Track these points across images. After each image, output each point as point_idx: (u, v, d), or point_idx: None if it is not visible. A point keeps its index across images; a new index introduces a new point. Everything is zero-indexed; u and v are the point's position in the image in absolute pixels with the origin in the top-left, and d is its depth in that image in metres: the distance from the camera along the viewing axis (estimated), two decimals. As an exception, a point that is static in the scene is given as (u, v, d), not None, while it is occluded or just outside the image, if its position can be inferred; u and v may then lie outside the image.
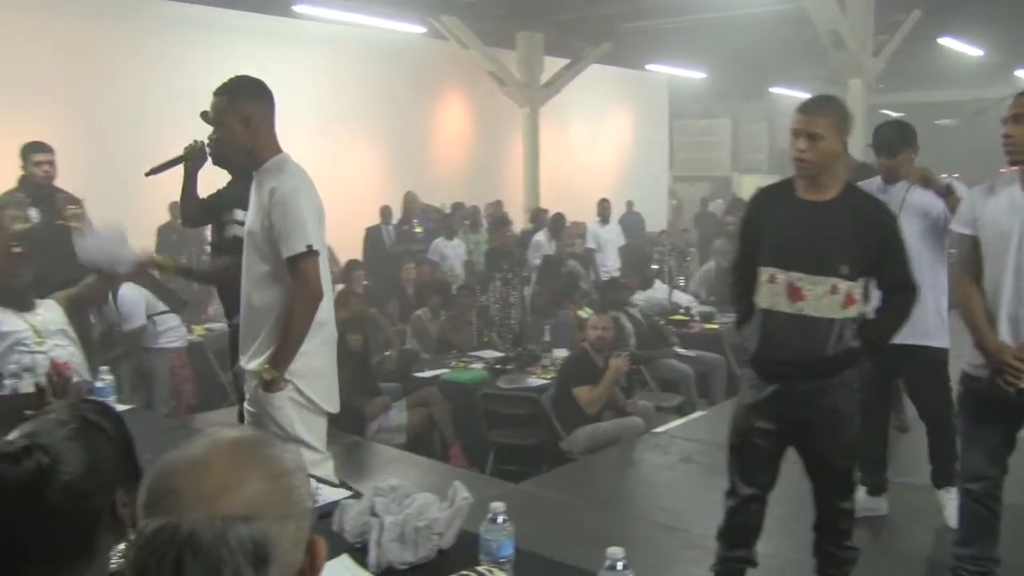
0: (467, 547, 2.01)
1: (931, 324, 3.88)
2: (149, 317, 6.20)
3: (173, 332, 6.40)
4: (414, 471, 5.20)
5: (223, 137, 3.18)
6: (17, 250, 3.96)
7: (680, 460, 5.09)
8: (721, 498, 3.16)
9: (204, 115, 3.35)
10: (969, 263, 3.14)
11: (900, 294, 3.02)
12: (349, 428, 5.78)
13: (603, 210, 11.46)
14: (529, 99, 13.18)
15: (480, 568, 1.86)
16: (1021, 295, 3.01)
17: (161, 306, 6.28)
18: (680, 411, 6.68)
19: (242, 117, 3.07)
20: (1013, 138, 2.98)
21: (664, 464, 5.11)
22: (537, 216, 11.71)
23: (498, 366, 6.63)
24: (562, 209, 11.25)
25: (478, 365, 6.74)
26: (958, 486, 3.23)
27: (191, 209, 4.14)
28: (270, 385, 3.05)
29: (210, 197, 4.08)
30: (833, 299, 2.89)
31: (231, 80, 3.14)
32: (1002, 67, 15.67)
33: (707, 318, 8.41)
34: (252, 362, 3.14)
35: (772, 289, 2.96)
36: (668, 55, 14.31)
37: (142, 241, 3.61)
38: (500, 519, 1.89)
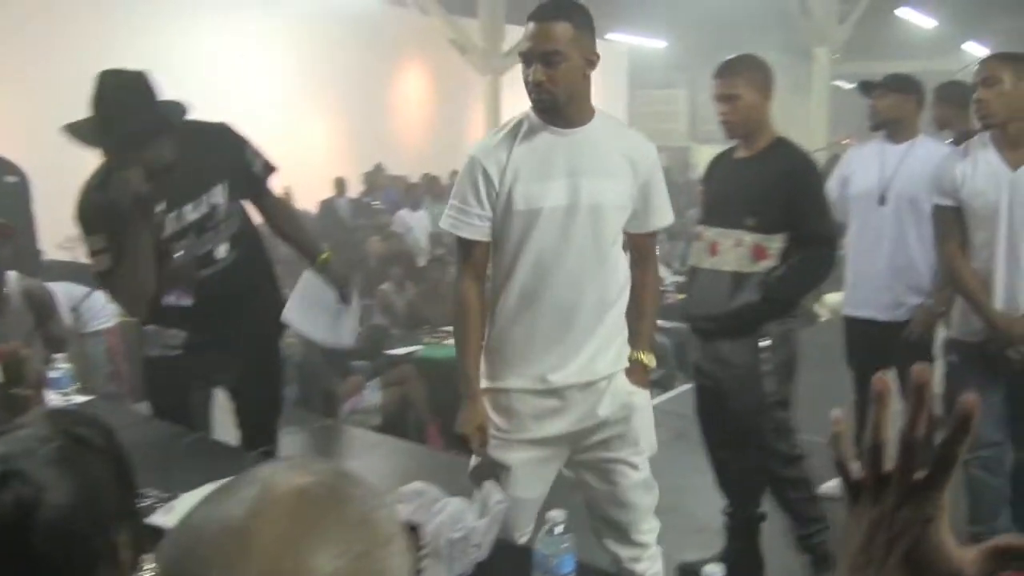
0: (510, 560, 1.73)
1: None
2: (73, 309, 5.55)
3: (102, 311, 5.71)
4: (396, 457, 4.91)
5: None
6: None
7: (674, 437, 4.84)
8: None
9: None
10: (954, 234, 3.07)
11: (809, 249, 2.94)
12: (321, 409, 5.46)
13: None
14: (491, 67, 12.83)
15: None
16: (1015, 263, 2.93)
17: (80, 291, 5.62)
18: (661, 384, 6.46)
19: None
20: (985, 102, 2.92)
21: (658, 441, 4.87)
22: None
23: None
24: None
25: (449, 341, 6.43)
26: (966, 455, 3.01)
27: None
28: (648, 376, 2.58)
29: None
30: (739, 251, 2.93)
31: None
32: (952, 39, 15.66)
33: (681, 288, 8.19)
34: (601, 363, 2.45)
35: (699, 246, 3.11)
36: (630, 24, 14.03)
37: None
38: (558, 530, 1.61)
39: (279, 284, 3.24)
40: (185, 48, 9.18)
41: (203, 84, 6.55)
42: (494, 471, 2.38)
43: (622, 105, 18.35)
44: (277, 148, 3.10)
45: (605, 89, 18.06)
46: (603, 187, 2.34)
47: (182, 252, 2.80)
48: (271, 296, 3.11)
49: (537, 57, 2.26)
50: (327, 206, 10.12)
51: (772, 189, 2.92)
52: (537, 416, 2.41)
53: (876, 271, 3.70)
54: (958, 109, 4.14)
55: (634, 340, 2.51)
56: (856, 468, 0.71)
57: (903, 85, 3.83)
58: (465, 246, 2.42)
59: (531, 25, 2.29)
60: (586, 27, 2.30)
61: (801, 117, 11.83)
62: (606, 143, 2.38)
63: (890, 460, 0.70)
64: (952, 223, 3.07)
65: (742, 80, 2.95)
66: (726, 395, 3.04)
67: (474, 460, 2.49)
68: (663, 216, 2.51)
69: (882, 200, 3.66)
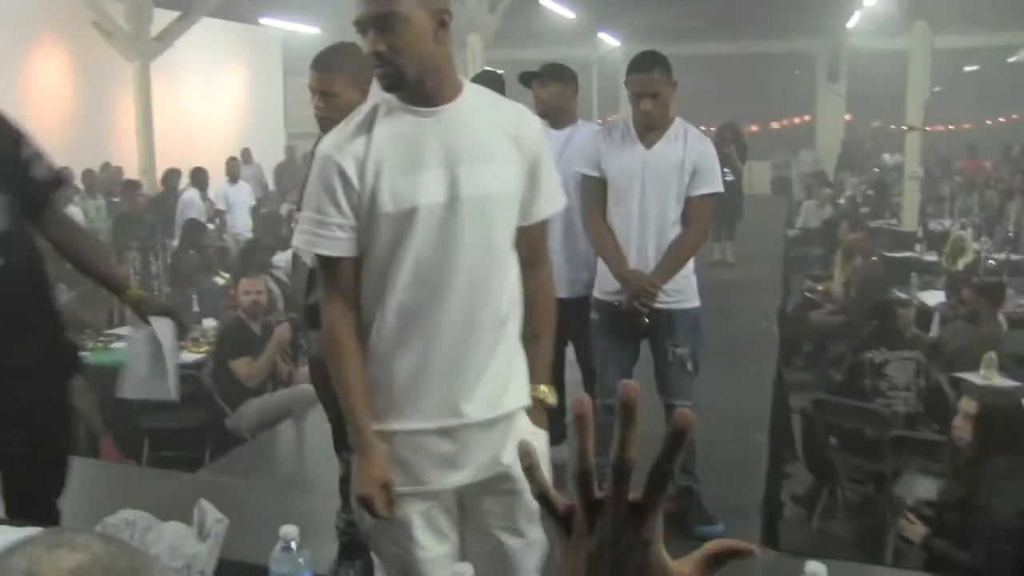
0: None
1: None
2: None
3: None
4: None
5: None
6: None
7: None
8: None
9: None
10: (596, 201, 3.52)
11: None
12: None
13: (232, 169, 10.72)
14: (139, 53, 11.90)
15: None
16: (644, 229, 3.44)
17: None
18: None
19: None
20: (649, 114, 3.42)
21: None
22: (198, 176, 10.59)
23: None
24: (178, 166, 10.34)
25: (120, 344, 5.92)
26: (599, 404, 3.24)
27: None
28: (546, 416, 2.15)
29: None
30: None
31: None
32: (587, 29, 16.85)
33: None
34: (507, 396, 2.04)
35: None
36: (283, 9, 13.66)
37: None
38: (294, 545, 1.50)
39: (59, 313, 2.63)
40: None
41: None
42: (390, 531, 2.00)
43: (277, 92, 17.87)
44: None
45: (258, 75, 17.48)
46: (487, 173, 1.94)
47: None
48: (47, 323, 2.50)
49: (370, 23, 1.85)
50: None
51: None
52: (433, 465, 1.99)
53: (574, 253, 3.87)
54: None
55: (530, 367, 2.09)
56: (559, 498, 0.67)
57: (561, 74, 4.05)
58: (327, 266, 1.98)
59: None
60: None
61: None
62: (484, 120, 1.98)
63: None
64: (596, 191, 3.52)
65: (340, 77, 2.87)
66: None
67: (368, 520, 2.01)
68: (554, 201, 2.11)
69: None
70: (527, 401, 2.05)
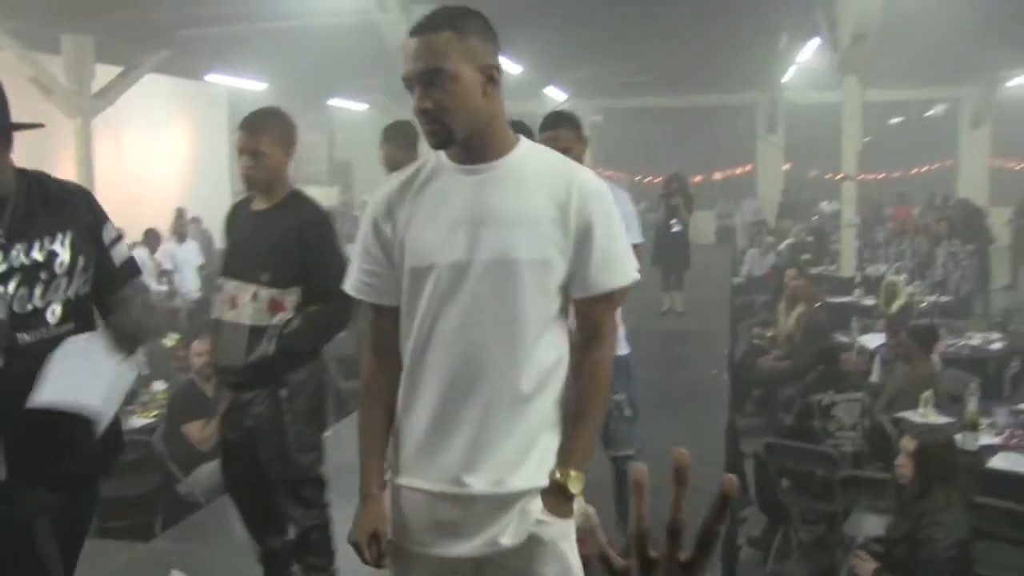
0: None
1: None
2: None
3: None
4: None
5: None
6: None
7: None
8: None
9: None
10: None
11: (324, 302, 2.95)
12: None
13: (179, 227, 10.67)
14: (80, 109, 11.82)
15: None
16: None
17: None
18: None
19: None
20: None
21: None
22: (150, 237, 10.53)
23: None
24: (121, 227, 10.24)
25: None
26: None
27: None
28: (572, 502, 1.95)
29: None
30: (256, 305, 2.92)
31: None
32: (534, 83, 17.16)
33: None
34: (519, 474, 1.91)
35: (220, 298, 3.05)
36: (229, 65, 13.70)
37: None
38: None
39: None
40: None
41: None
42: None
43: (223, 148, 17.86)
44: None
45: (204, 132, 17.41)
46: (514, 237, 1.84)
47: None
48: None
49: (417, 79, 1.80)
50: None
51: (286, 243, 2.96)
52: (437, 529, 1.91)
53: None
54: (407, 149, 4.58)
55: (561, 449, 1.93)
56: (617, 558, 0.74)
57: (519, 130, 4.16)
58: (369, 311, 2.01)
59: (408, 42, 1.83)
60: (478, 34, 1.85)
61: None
62: (528, 181, 1.88)
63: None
64: None
65: (267, 137, 3.00)
66: (255, 445, 3.04)
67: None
68: (615, 273, 1.92)
69: None
70: (541, 482, 1.90)
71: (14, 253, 2.08)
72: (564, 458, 1.91)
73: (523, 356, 1.87)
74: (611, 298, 1.96)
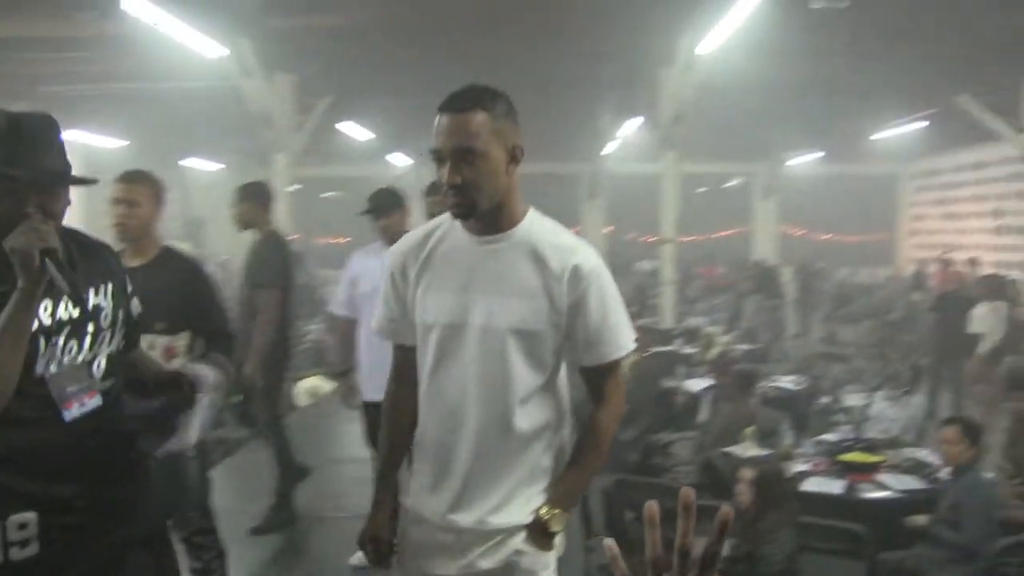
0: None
1: None
2: None
3: None
4: None
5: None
6: None
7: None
8: None
9: None
10: None
11: (219, 342, 3.09)
12: None
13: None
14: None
15: None
16: None
17: None
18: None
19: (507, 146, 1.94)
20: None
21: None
22: None
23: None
24: None
25: None
26: None
27: None
28: (552, 538, 2.00)
29: None
30: (153, 354, 2.85)
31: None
32: (380, 150, 17.30)
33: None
34: (500, 515, 1.98)
35: None
36: (89, 122, 13.12)
37: None
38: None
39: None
40: None
41: None
42: None
43: (80, 205, 16.93)
44: None
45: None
46: (504, 307, 1.90)
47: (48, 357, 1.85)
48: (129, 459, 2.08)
49: (449, 155, 1.85)
50: None
51: (173, 294, 3.05)
52: (436, 550, 2.01)
53: (385, 358, 4.02)
54: (261, 208, 4.73)
55: (551, 488, 2.01)
56: None
57: (395, 200, 4.29)
58: (395, 347, 2.13)
59: (441, 118, 1.88)
60: (506, 116, 1.90)
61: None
62: (526, 254, 1.93)
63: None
64: None
65: (145, 189, 3.11)
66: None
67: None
68: (610, 345, 1.98)
69: None
70: (524, 520, 1.97)
71: (62, 306, 1.91)
72: (552, 497, 1.99)
73: (511, 416, 1.94)
74: (610, 366, 2.03)
